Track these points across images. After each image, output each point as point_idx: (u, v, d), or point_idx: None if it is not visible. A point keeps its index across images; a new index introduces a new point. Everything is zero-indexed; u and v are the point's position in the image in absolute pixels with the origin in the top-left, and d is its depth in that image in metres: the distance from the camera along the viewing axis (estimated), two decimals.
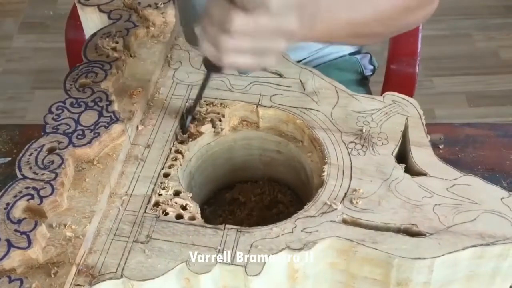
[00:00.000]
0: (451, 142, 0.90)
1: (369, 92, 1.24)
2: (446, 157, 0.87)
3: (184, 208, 0.68)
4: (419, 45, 1.23)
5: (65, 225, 0.65)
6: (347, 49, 1.21)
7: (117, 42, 0.82)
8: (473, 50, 2.30)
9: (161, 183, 0.71)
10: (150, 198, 0.69)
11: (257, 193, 0.86)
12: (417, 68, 1.22)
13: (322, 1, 0.70)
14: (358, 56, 1.22)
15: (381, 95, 0.79)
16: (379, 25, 0.78)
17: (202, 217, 0.68)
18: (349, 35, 0.77)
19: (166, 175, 0.72)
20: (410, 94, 1.22)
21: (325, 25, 0.72)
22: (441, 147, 0.89)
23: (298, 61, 1.14)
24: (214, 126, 0.77)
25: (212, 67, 0.70)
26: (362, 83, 1.23)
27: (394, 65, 1.23)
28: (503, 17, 2.42)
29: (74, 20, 1.25)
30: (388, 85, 1.25)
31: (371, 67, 1.24)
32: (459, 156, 0.88)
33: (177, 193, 0.70)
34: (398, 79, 1.23)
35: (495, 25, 2.39)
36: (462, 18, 2.41)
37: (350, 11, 0.74)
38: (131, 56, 0.82)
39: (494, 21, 2.40)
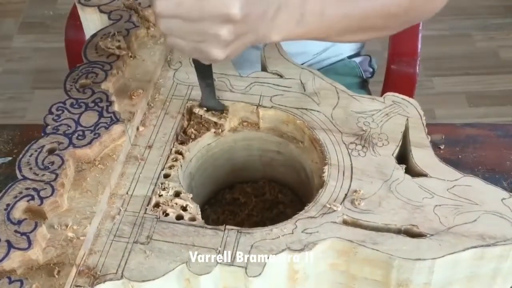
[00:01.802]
0: (451, 143, 0.90)
1: (368, 93, 1.24)
2: (446, 157, 0.87)
3: (184, 209, 0.68)
4: (419, 45, 1.23)
5: (65, 226, 0.65)
6: (345, 52, 1.20)
7: (118, 41, 0.82)
8: (473, 50, 2.30)
9: (162, 183, 0.70)
10: (150, 199, 0.69)
11: (257, 194, 0.86)
12: (417, 68, 1.22)
13: None
14: (357, 59, 1.22)
15: (381, 95, 0.79)
16: (380, 19, 0.76)
17: (202, 217, 0.68)
18: (348, 30, 0.75)
19: (167, 176, 0.72)
20: (410, 94, 1.22)
21: (317, 20, 0.71)
22: (441, 147, 0.89)
23: None
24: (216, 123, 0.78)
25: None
26: (362, 85, 1.23)
27: (394, 65, 1.23)
28: (503, 17, 2.42)
29: (74, 20, 1.25)
30: (388, 85, 1.25)
31: (371, 69, 1.24)
32: (460, 156, 0.88)
33: (177, 194, 0.70)
34: (398, 79, 1.23)
35: (495, 25, 2.39)
36: (462, 18, 2.41)
37: (347, 6, 0.73)
38: (131, 56, 0.82)
39: (494, 21, 2.40)
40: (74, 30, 1.23)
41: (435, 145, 0.88)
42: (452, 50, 2.30)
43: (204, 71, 0.76)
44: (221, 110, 0.78)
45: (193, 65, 0.77)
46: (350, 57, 1.21)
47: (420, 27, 1.22)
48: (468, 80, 2.20)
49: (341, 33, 0.76)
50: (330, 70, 1.17)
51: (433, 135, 0.87)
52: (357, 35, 0.78)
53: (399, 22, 0.80)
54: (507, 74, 2.21)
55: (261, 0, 0.65)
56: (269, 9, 0.66)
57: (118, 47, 0.81)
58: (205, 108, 0.78)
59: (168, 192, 0.70)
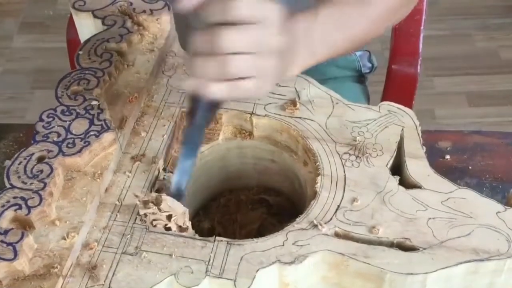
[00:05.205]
0: (459, 150, 0.88)
1: (366, 89, 1.25)
2: (454, 165, 0.85)
3: (170, 217, 0.67)
4: (421, 45, 1.22)
5: (53, 236, 0.64)
6: None
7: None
8: (473, 50, 2.30)
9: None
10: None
11: (251, 202, 0.85)
12: (418, 68, 1.22)
13: (318, 29, 0.73)
14: (357, 53, 1.21)
15: (382, 95, 0.78)
16: (374, 30, 0.82)
17: (194, 225, 0.67)
18: (350, 47, 0.81)
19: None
20: (411, 94, 1.21)
21: (326, 48, 0.75)
22: (447, 157, 0.87)
23: None
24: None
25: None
26: (359, 80, 1.22)
27: (395, 65, 1.23)
28: (503, 17, 2.41)
29: None
30: (389, 86, 1.24)
31: (369, 65, 1.23)
32: (467, 164, 0.86)
33: None
34: (400, 79, 1.23)
35: (495, 25, 2.38)
36: (462, 18, 2.41)
37: (348, 29, 0.78)
38: (123, 63, 0.81)
39: (494, 21, 2.40)
40: (76, 30, 1.22)
41: (442, 153, 0.87)
42: (452, 50, 2.29)
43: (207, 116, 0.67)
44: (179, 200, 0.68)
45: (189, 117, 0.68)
46: None
47: (422, 27, 1.22)
48: (468, 80, 2.20)
49: (348, 49, 0.82)
50: (329, 63, 1.16)
51: (440, 142, 0.85)
52: (360, 45, 0.85)
53: (387, 25, 0.86)
54: (507, 74, 2.20)
55: (291, 34, 0.67)
56: (295, 44, 0.69)
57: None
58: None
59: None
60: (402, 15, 0.88)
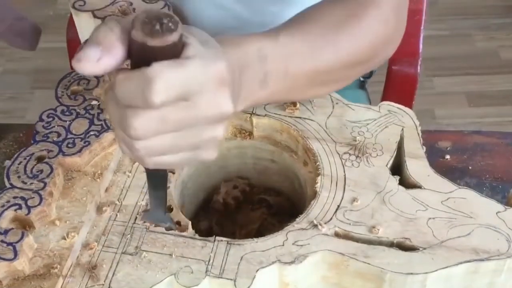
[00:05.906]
0: (459, 150, 0.88)
1: (366, 93, 1.25)
2: (453, 165, 0.85)
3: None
4: (421, 46, 1.23)
5: (53, 236, 0.64)
6: None
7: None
8: (473, 50, 2.31)
9: None
10: (140, 208, 0.68)
11: (251, 201, 0.85)
12: (418, 68, 1.22)
13: (274, 54, 0.62)
14: None
15: (382, 96, 0.78)
16: (344, 70, 0.72)
17: (194, 224, 0.67)
18: (312, 85, 0.70)
19: None
20: (412, 95, 1.21)
21: (281, 79, 0.64)
22: (448, 155, 0.87)
23: None
24: None
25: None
26: (360, 85, 1.22)
27: (395, 66, 1.23)
28: (503, 17, 2.42)
29: None
30: (389, 86, 1.24)
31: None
32: (466, 164, 0.86)
33: (169, 210, 0.69)
34: (400, 80, 1.23)
35: (495, 25, 2.39)
36: (462, 18, 2.42)
37: (311, 59, 0.67)
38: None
39: (494, 21, 2.41)
40: (76, 30, 1.22)
41: (442, 153, 0.87)
42: (452, 50, 2.30)
43: (159, 181, 0.62)
44: (169, 227, 0.66)
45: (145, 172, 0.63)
46: None
47: (422, 27, 1.22)
48: (468, 80, 2.20)
49: (305, 89, 0.70)
50: None
51: (440, 142, 0.85)
52: (320, 90, 0.73)
53: (362, 70, 0.77)
54: (507, 74, 2.21)
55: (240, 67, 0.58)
56: (242, 76, 0.58)
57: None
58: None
59: None
60: (377, 63, 0.78)
